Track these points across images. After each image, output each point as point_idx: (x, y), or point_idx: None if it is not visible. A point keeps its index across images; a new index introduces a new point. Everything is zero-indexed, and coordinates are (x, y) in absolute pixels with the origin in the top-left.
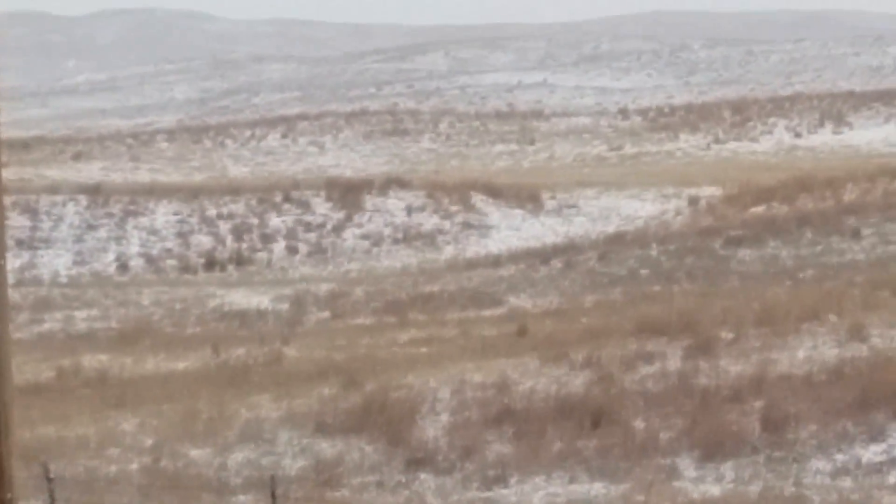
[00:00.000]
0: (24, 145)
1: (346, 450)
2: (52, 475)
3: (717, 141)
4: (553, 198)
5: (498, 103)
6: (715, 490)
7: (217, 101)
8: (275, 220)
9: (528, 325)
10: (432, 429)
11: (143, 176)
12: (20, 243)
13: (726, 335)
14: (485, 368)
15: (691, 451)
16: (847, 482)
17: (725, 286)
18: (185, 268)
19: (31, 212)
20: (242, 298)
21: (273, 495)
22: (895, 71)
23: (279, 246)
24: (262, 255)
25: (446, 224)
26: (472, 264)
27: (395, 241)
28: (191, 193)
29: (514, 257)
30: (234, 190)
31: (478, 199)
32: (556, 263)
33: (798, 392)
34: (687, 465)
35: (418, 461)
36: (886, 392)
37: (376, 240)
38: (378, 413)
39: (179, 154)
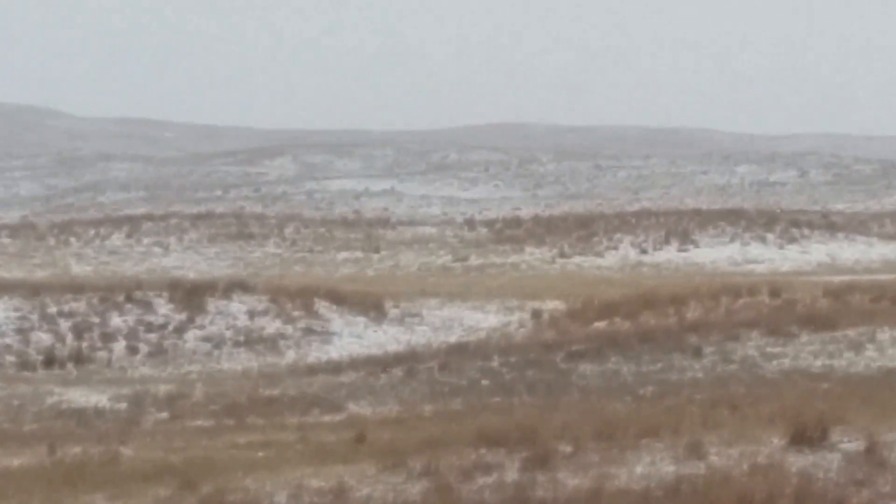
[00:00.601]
0: None
1: None
2: None
3: (562, 255)
4: (396, 306)
5: (344, 210)
6: None
7: (62, 198)
8: (116, 320)
9: (368, 432)
10: None
11: None
12: None
13: (565, 448)
14: (322, 474)
15: None
16: None
17: (566, 400)
18: (24, 364)
19: None
20: (81, 397)
21: None
22: (742, 190)
23: (120, 345)
24: (102, 354)
25: (288, 329)
26: (313, 370)
27: (237, 345)
28: (32, 290)
29: (356, 364)
30: (77, 288)
31: (321, 306)
32: (398, 372)
33: None
34: None
35: None
36: None
37: (218, 342)
38: None
39: (22, 250)
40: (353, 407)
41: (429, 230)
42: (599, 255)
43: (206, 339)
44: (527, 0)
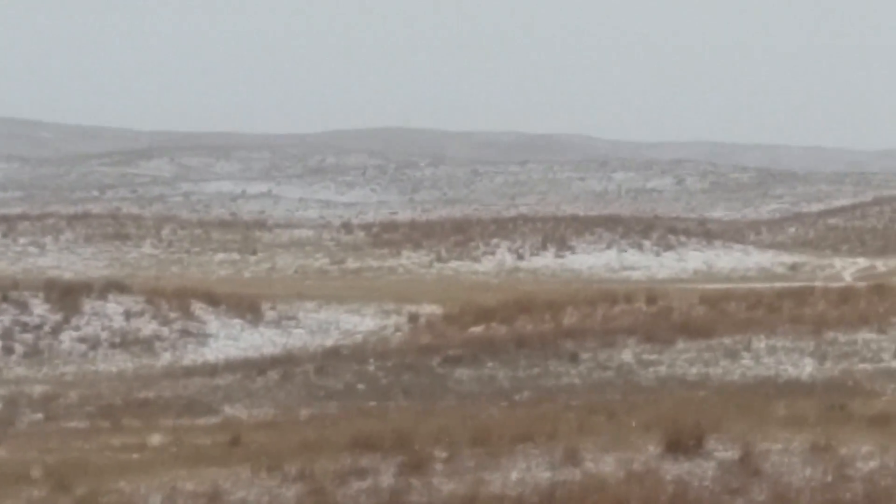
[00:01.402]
0: None
1: None
2: None
3: (439, 259)
4: (273, 309)
5: (221, 212)
6: None
7: None
8: None
9: (243, 435)
10: None
11: None
12: None
13: (440, 454)
14: (197, 477)
15: None
16: None
17: (442, 404)
18: None
19: None
20: None
21: None
22: (619, 197)
23: None
24: None
25: (164, 330)
26: (188, 372)
27: (113, 346)
28: None
29: (232, 367)
30: None
31: (197, 307)
32: (274, 375)
33: None
34: None
35: None
36: None
37: (93, 343)
38: None
39: None
40: (228, 410)
41: (306, 233)
42: (476, 260)
43: (82, 339)
44: (406, 3)
